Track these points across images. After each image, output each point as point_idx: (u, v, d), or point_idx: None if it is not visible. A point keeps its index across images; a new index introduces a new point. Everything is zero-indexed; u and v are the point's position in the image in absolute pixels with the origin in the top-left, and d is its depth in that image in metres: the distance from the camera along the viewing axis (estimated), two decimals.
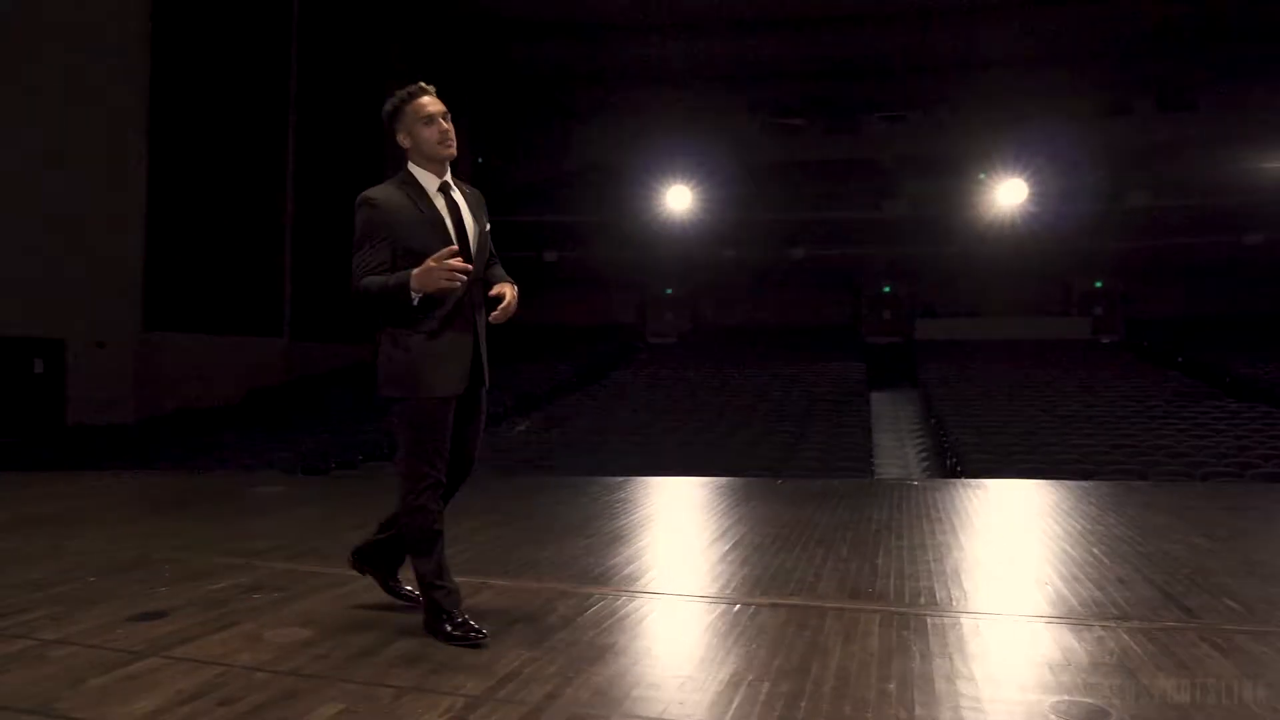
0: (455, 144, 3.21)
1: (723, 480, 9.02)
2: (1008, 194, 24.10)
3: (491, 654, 3.00)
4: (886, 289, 27.60)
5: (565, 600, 3.68)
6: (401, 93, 3.20)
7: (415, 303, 3.01)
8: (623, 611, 3.60)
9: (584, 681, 2.75)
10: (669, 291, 28.25)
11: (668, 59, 24.84)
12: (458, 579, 3.29)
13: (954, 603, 3.79)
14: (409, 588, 3.53)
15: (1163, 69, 26.17)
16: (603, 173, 26.48)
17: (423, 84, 3.21)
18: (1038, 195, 24.30)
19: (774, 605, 3.72)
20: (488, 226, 3.30)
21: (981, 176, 25.17)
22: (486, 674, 2.81)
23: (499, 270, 3.34)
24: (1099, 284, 26.76)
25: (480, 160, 28.58)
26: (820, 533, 5.58)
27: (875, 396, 19.51)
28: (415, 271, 2.98)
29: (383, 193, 3.15)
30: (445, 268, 2.97)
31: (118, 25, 16.81)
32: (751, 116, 26.95)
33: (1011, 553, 5.15)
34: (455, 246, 3.06)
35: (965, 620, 3.47)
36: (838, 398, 17.33)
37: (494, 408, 17.13)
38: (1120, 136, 26.24)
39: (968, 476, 10.64)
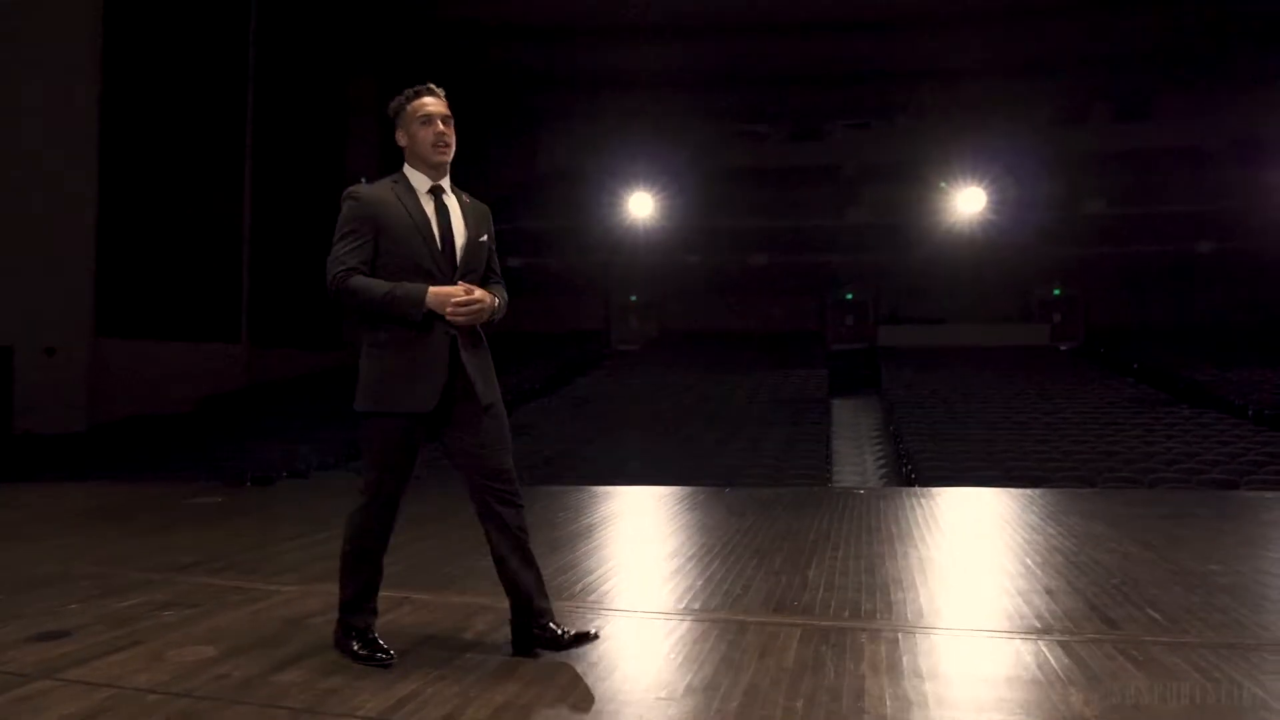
0: (452, 149, 3.12)
1: (673, 489, 8.98)
2: (968, 201, 24.35)
3: (396, 673, 2.93)
4: (850, 296, 27.75)
5: (485, 615, 3.62)
6: (408, 91, 3.15)
7: (419, 319, 2.96)
8: None
9: (485, 700, 2.69)
10: (634, 298, 28.22)
11: (634, 65, 24.83)
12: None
13: (878, 616, 3.76)
14: (557, 628, 3.13)
15: (1121, 80, 26.60)
16: (568, 178, 26.42)
17: (431, 85, 3.15)
18: (997, 203, 24.56)
19: (696, 619, 3.68)
20: (484, 238, 3.19)
21: (943, 185, 25.41)
22: (387, 694, 2.74)
23: (499, 291, 3.20)
24: (1058, 291, 27.09)
25: None
26: (759, 543, 5.55)
27: (837, 404, 19.58)
28: (434, 290, 2.95)
29: (369, 189, 3.10)
30: (464, 304, 2.96)
31: (68, 28, 16.53)
32: (717, 123, 27.01)
33: (944, 564, 5.14)
34: (473, 288, 3.01)
35: (886, 634, 3.45)
36: (799, 405, 17.37)
37: None
38: (1078, 145, 26.60)
39: (921, 485, 10.68)
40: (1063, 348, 25.39)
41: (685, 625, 3.58)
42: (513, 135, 28.34)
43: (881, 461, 14.30)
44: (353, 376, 3.13)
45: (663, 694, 2.77)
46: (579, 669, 3.04)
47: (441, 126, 3.09)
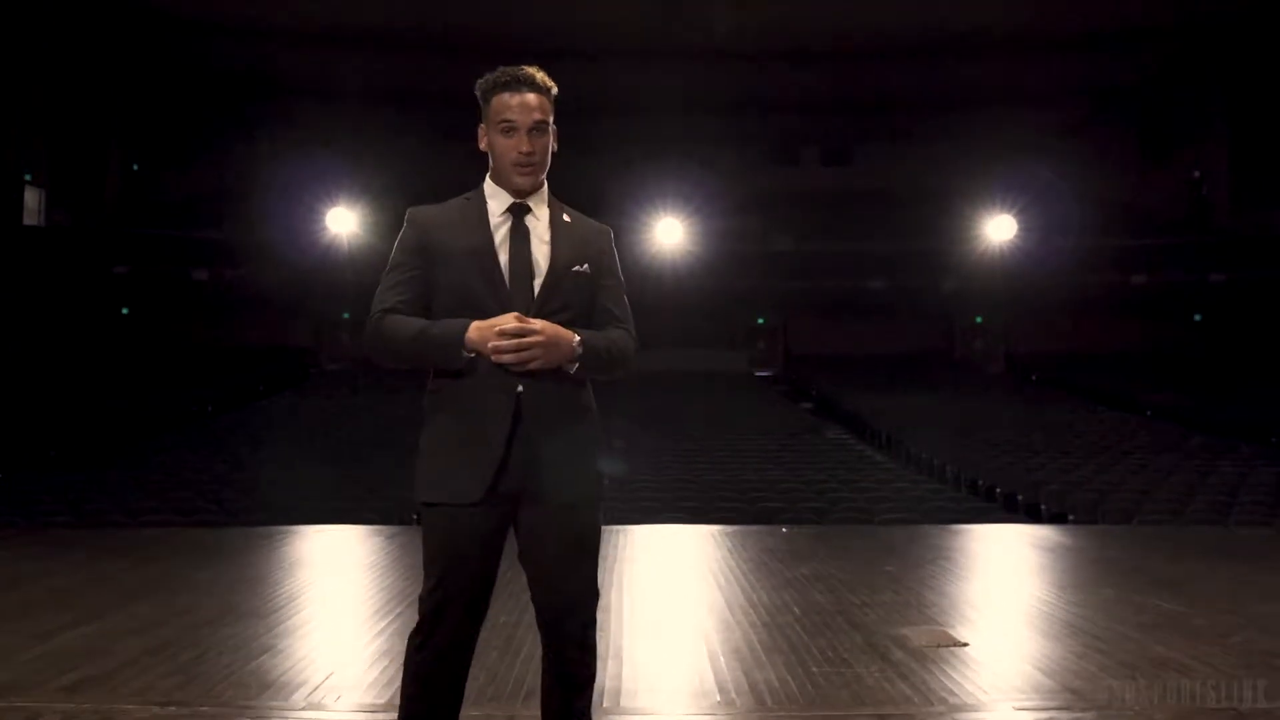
0: (540, 170, 2.37)
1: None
2: (668, 233, 25.42)
3: None
4: None
5: None
6: (493, 76, 2.36)
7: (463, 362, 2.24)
8: None
9: None
10: (347, 316, 27.28)
11: (346, 74, 24.14)
12: None
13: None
14: None
15: (825, 127, 28.91)
16: (270, 189, 25.18)
17: (528, 71, 2.35)
18: (703, 235, 25.79)
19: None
20: (583, 267, 2.40)
21: (659, 215, 26.47)
22: None
23: (606, 335, 2.40)
24: (761, 320, 28.72)
25: (136, 167, 26.41)
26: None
27: None
28: (477, 323, 2.23)
29: (433, 209, 2.43)
30: (508, 342, 2.20)
31: None
32: (426, 139, 26.59)
33: None
34: (517, 316, 2.24)
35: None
36: None
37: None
38: (784, 184, 28.50)
39: None
40: (760, 375, 26.91)
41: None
42: (217, 138, 26.79)
43: None
44: None
45: None
46: None
47: (527, 144, 2.32)
